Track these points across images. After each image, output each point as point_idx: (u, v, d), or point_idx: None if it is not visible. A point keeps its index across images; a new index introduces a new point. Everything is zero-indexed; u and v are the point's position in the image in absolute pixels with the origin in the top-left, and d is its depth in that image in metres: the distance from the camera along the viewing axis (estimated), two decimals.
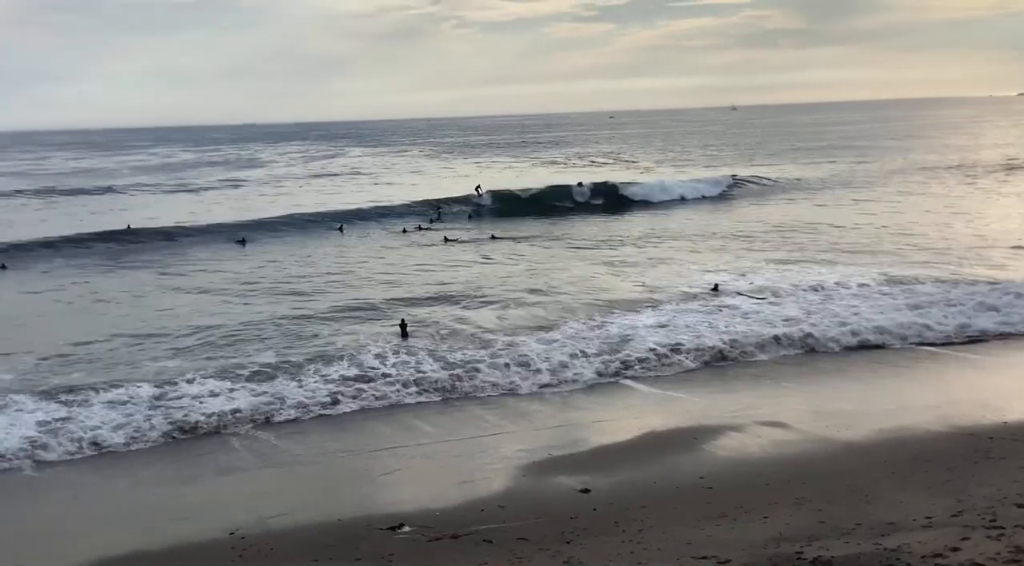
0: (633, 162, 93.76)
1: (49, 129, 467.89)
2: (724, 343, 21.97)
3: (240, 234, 43.32)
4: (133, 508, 14.14)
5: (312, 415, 18.07)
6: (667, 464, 15.16)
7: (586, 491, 13.99)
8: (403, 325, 23.59)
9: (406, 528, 12.71)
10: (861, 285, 27.64)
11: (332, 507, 13.72)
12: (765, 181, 64.51)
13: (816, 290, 27.15)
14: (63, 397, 18.36)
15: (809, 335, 22.41)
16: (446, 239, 42.84)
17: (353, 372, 19.97)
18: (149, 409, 17.67)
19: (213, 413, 17.59)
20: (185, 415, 17.47)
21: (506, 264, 35.37)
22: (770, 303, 25.66)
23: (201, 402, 18.07)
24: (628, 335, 22.66)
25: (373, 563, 11.48)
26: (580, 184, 58.54)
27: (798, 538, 10.94)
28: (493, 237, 43.09)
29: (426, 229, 45.37)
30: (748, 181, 63.86)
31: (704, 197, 57.87)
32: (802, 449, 15.61)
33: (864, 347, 22.05)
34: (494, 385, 19.53)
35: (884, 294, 26.15)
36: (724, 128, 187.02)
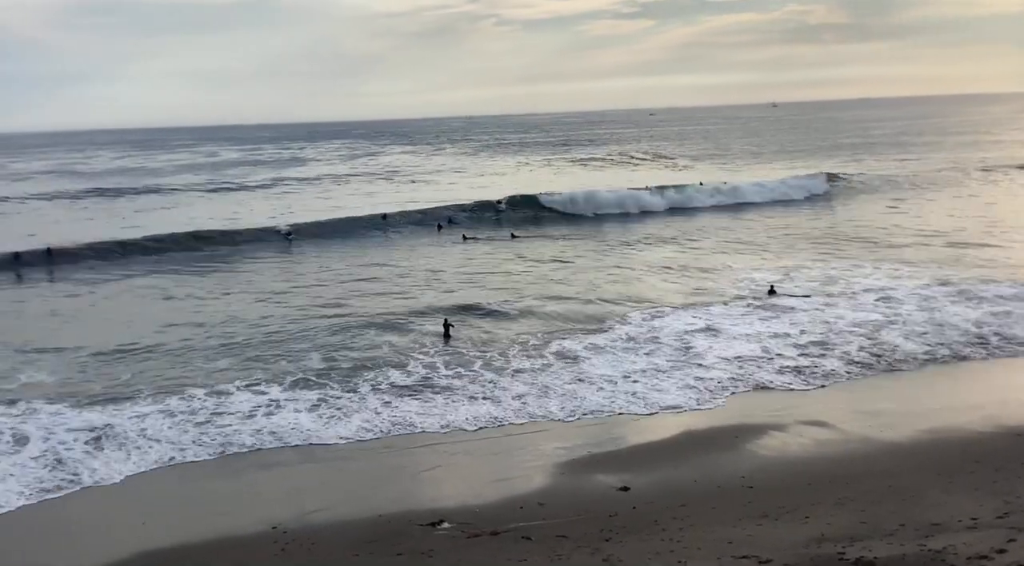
0: (671, 159, 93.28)
1: (91, 129, 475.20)
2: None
3: (287, 228, 43.55)
4: (176, 501, 14.39)
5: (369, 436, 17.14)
6: (707, 463, 15.08)
7: (625, 489, 13.97)
8: (446, 325, 23.47)
9: (445, 524, 12.79)
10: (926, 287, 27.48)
11: (373, 503, 13.84)
12: (852, 180, 61.74)
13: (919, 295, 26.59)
14: (115, 405, 18.31)
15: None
16: (465, 237, 43.04)
17: (404, 380, 19.65)
18: (201, 427, 17.08)
19: (262, 429, 17.00)
20: (234, 435, 16.76)
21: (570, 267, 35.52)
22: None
23: (251, 417, 17.61)
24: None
25: (413, 558, 11.56)
26: (648, 188, 57.90)
27: (840, 538, 10.83)
28: (513, 236, 43.13)
29: (471, 239, 43.96)
30: (839, 178, 61.12)
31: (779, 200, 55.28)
32: (844, 449, 15.46)
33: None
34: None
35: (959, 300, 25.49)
36: (765, 125, 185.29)
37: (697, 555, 10.75)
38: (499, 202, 51.61)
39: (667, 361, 20.85)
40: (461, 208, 50.39)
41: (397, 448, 16.41)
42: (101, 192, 68.68)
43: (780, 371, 20.02)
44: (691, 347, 21.81)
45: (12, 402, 18.70)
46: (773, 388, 19.11)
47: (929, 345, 21.55)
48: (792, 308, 25.35)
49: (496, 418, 17.59)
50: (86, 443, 16.35)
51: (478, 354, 21.60)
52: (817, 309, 25.09)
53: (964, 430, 15.99)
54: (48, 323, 27.06)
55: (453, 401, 18.48)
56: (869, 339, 22.08)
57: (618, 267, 33.65)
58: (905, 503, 12.40)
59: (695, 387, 19.10)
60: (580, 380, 19.64)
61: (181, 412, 17.92)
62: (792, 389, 18.99)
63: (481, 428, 17.15)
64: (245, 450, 16.25)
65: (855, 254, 34.16)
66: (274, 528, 12.95)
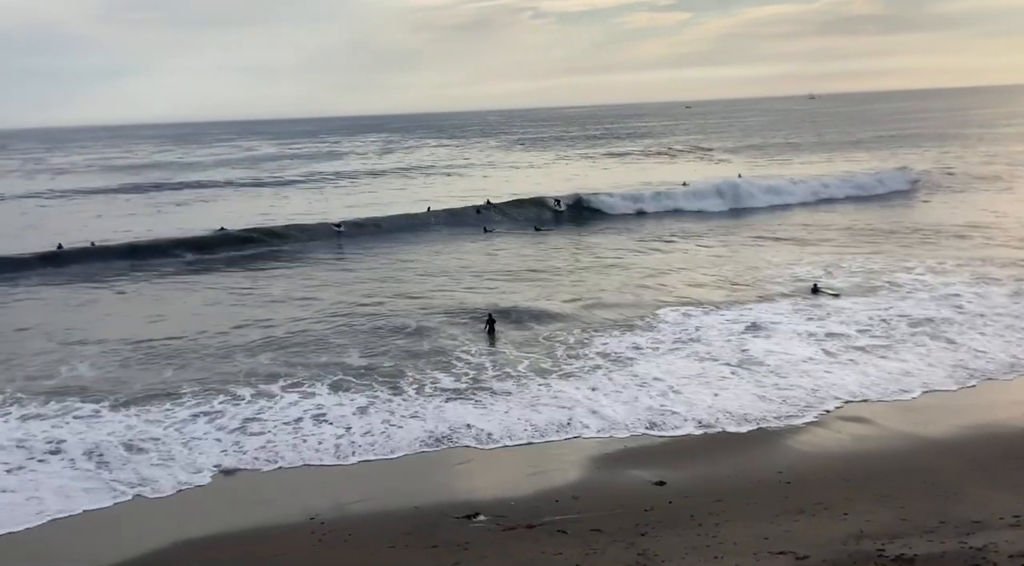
0: (708, 150, 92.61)
1: (133, 123, 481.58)
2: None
3: (338, 221, 43.52)
4: (215, 491, 14.58)
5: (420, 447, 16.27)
6: (743, 458, 14.99)
7: (661, 484, 13.92)
8: (491, 322, 23.16)
9: (481, 517, 12.84)
10: None
11: (409, 495, 13.91)
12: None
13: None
14: (156, 406, 18.25)
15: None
16: (485, 229, 43.01)
17: (453, 384, 19.03)
18: (246, 437, 16.43)
19: (307, 443, 16.16)
20: (283, 449, 15.95)
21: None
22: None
23: (297, 425, 16.88)
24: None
25: (449, 550, 11.62)
26: (685, 183, 57.40)
27: (879, 535, 10.74)
28: (536, 228, 42.85)
29: (540, 230, 43.77)
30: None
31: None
32: (883, 445, 15.29)
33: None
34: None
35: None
36: (803, 116, 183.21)
37: (733, 550, 10.71)
38: (557, 202, 49.15)
39: (723, 363, 20.07)
40: (514, 205, 48.71)
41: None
42: (144, 187, 69.43)
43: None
44: (746, 349, 21.12)
45: (56, 397, 18.97)
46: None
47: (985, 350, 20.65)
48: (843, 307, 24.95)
49: (556, 425, 16.62)
50: (126, 450, 15.83)
51: (523, 354, 21.17)
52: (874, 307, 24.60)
53: (1006, 427, 15.76)
54: (90, 317, 27.49)
55: (508, 412, 17.34)
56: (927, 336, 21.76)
57: (667, 263, 33.53)
58: (945, 500, 12.26)
59: (771, 399, 17.74)
60: (639, 384, 18.70)
61: (224, 415, 17.46)
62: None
63: (547, 440, 16.19)
64: (297, 465, 15.44)
65: (922, 251, 33.39)
66: (312, 519, 13.08)
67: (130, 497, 14.08)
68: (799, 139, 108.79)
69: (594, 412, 17.24)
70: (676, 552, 10.83)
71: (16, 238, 41.53)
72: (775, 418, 16.76)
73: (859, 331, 22.35)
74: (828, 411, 17.06)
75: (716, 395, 18.01)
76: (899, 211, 45.53)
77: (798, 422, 16.55)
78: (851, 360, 20.12)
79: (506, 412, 17.43)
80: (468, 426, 16.71)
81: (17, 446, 16.14)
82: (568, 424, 16.71)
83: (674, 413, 17.11)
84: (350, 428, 16.77)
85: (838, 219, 43.41)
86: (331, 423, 17.04)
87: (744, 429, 16.26)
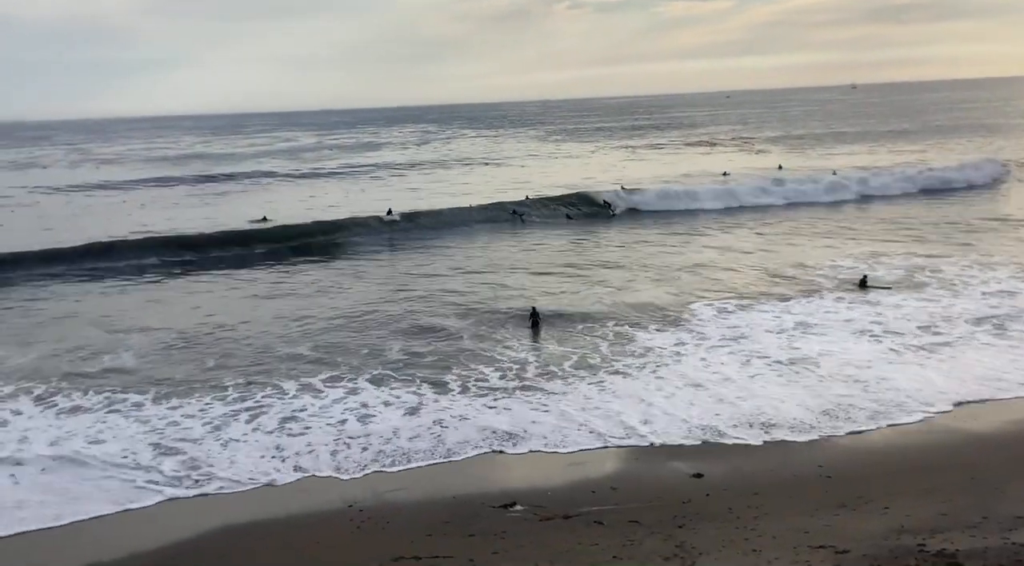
0: (749, 141, 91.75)
1: (176, 114, 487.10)
2: None
3: (389, 210, 43.35)
4: (255, 482, 14.74)
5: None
6: (783, 451, 14.88)
7: (699, 476, 13.88)
8: (535, 315, 23.03)
9: (518, 507, 12.88)
10: None
11: (447, 484, 14.01)
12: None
13: None
14: (198, 399, 18.78)
15: None
16: (514, 212, 43.04)
17: (499, 382, 18.60)
18: (290, 438, 16.01)
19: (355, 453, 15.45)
20: (325, 456, 15.24)
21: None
22: None
23: (341, 426, 16.44)
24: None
25: (485, 540, 11.68)
26: (725, 173, 56.95)
27: (920, 530, 10.62)
28: (568, 217, 42.52)
29: (572, 218, 43.81)
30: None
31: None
32: (925, 439, 15.11)
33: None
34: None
35: None
36: (846, 106, 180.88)
37: (772, 544, 10.65)
38: (607, 204, 46.81)
39: (774, 361, 19.47)
40: (570, 202, 47.11)
41: None
42: (187, 179, 69.82)
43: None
44: (797, 346, 20.56)
45: (97, 388, 19.27)
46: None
47: None
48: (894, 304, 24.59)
49: (601, 435, 15.74)
50: (162, 446, 15.73)
51: (568, 351, 20.77)
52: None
53: None
54: (132, 308, 27.91)
55: (563, 414, 16.73)
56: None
57: (709, 257, 33.31)
58: (989, 496, 12.09)
59: (832, 403, 16.83)
60: (692, 385, 18.13)
61: (267, 412, 17.25)
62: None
63: (606, 447, 15.40)
64: (341, 477, 14.74)
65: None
66: (350, 506, 13.22)
67: (165, 496, 13.93)
68: (842, 129, 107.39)
69: (647, 421, 16.20)
70: (714, 545, 10.79)
71: (61, 230, 42.19)
72: (843, 423, 15.91)
73: (919, 328, 21.61)
74: (923, 418, 16.04)
75: (782, 402, 16.98)
76: (962, 205, 44.21)
77: (871, 427, 15.70)
78: (915, 360, 19.34)
79: (560, 414, 16.74)
80: (525, 432, 16.02)
81: (54, 442, 16.09)
82: (625, 436, 15.66)
83: (731, 422, 16.12)
84: (397, 432, 16.12)
85: (894, 213, 42.56)
86: (377, 424, 16.52)
87: (805, 438, 15.36)
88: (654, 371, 19.20)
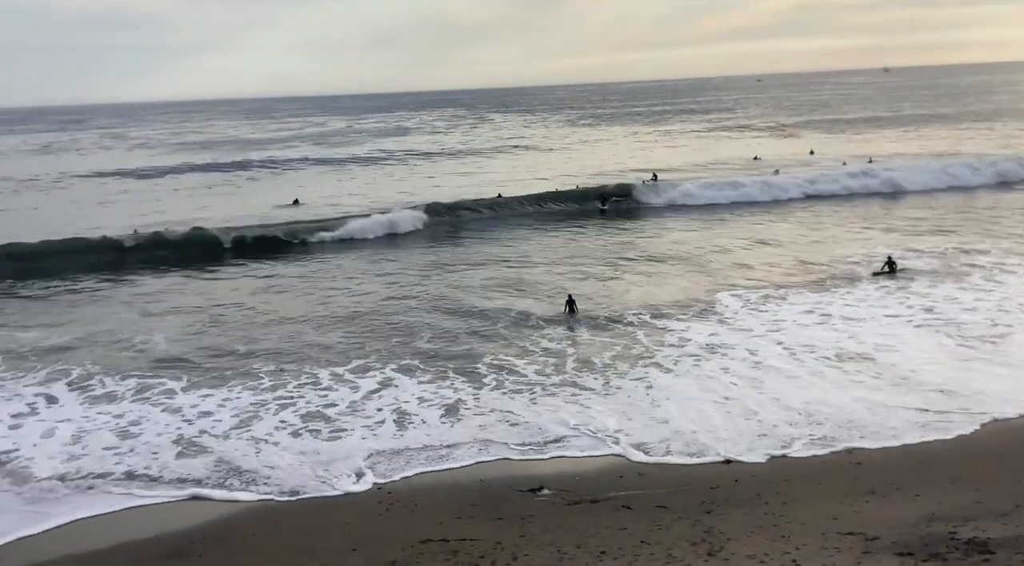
0: (781, 126, 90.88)
1: (208, 99, 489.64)
2: None
3: (425, 206, 41.97)
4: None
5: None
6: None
7: (727, 462, 13.83)
8: (570, 301, 23.08)
9: (545, 491, 12.91)
10: None
11: (475, 467, 14.09)
12: None
13: None
14: (231, 388, 18.89)
15: None
16: (602, 197, 42.82)
17: (536, 378, 18.07)
18: (310, 435, 15.52)
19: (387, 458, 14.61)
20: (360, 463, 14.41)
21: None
22: None
23: (377, 428, 15.79)
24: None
25: (513, 523, 11.71)
26: (756, 157, 56.32)
27: (952, 518, 10.51)
28: (601, 211, 41.93)
29: (605, 209, 42.81)
30: None
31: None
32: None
33: None
34: None
35: None
36: (878, 90, 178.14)
37: (800, 530, 10.58)
38: (604, 200, 44.39)
39: (820, 356, 18.85)
40: (604, 194, 45.33)
41: None
42: (221, 165, 69.90)
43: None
44: (852, 337, 20.07)
45: (135, 376, 19.61)
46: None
47: None
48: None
49: (643, 443, 14.76)
50: (193, 441, 15.51)
51: (605, 341, 20.54)
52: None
53: None
54: (168, 297, 28.41)
55: (606, 417, 15.94)
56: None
57: (745, 248, 33.16)
58: (1020, 483, 11.95)
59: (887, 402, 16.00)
60: (734, 382, 17.47)
61: (296, 404, 17.08)
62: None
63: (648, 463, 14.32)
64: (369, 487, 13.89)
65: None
66: (379, 488, 13.31)
67: (188, 494, 13.68)
68: (874, 113, 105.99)
69: (694, 431, 15.09)
70: (742, 530, 10.74)
71: (93, 216, 42.78)
72: (907, 429, 14.94)
73: (970, 320, 20.96)
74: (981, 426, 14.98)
75: (844, 406, 16.01)
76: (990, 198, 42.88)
77: (947, 437, 14.58)
78: (976, 360, 18.40)
79: (602, 416, 16.02)
80: (567, 436, 15.28)
81: (80, 432, 16.08)
82: (664, 442, 14.77)
83: (780, 425, 15.22)
84: (430, 438, 15.38)
85: (932, 204, 41.75)
86: (415, 426, 15.85)
87: (874, 445, 14.35)
88: (693, 364, 18.59)
